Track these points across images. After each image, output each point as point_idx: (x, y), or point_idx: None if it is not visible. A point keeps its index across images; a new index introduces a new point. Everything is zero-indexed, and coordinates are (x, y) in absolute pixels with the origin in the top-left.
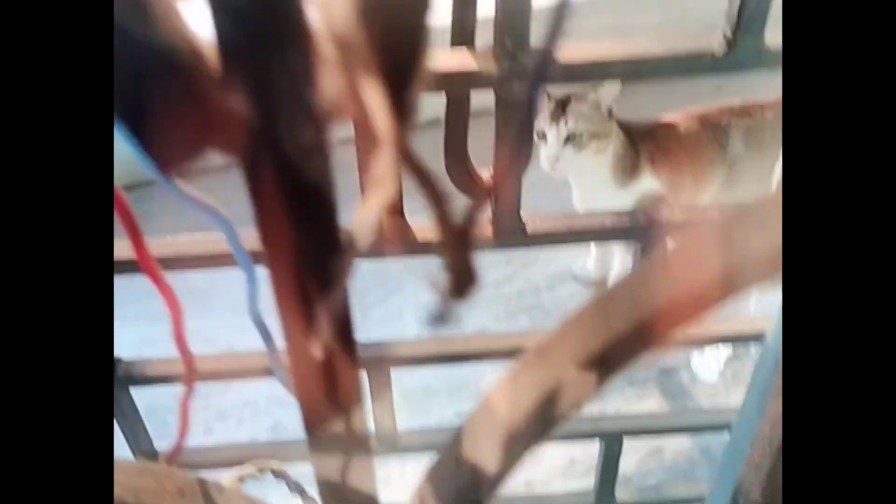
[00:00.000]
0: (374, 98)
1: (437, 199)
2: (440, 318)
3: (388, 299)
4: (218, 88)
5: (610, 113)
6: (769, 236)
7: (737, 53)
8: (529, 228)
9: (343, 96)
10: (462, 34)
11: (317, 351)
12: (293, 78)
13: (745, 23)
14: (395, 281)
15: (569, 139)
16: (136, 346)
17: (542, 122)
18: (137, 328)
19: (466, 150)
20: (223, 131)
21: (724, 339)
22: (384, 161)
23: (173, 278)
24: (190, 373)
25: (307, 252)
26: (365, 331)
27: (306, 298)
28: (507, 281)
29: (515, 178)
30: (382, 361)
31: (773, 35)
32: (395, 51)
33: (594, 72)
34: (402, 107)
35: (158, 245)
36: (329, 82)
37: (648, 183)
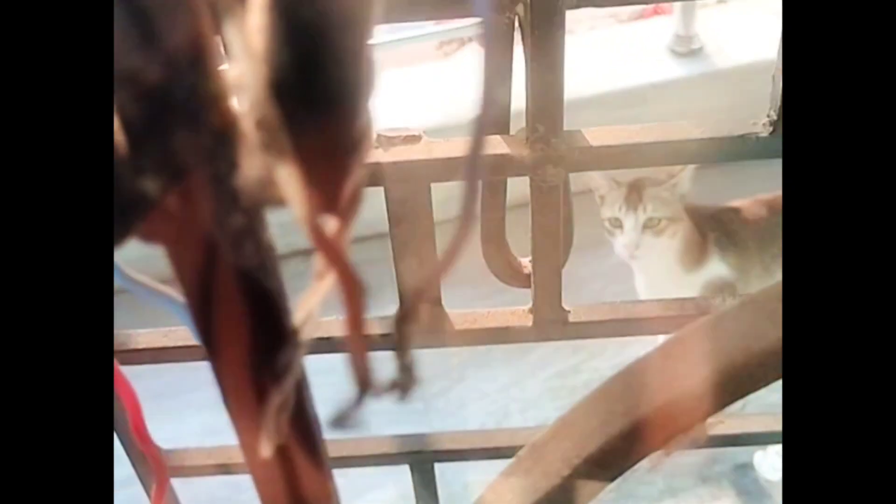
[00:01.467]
0: (291, 185)
1: (352, 295)
2: (342, 420)
3: (451, 390)
4: (130, 173)
5: (682, 196)
6: (773, 331)
7: (781, 136)
8: (572, 318)
9: (268, 181)
10: (495, 122)
11: (266, 450)
12: (213, 161)
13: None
14: (457, 371)
15: (646, 225)
16: (200, 435)
17: (613, 208)
18: (202, 418)
19: (504, 237)
20: (141, 219)
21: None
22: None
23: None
24: (159, 469)
25: (252, 344)
26: (427, 422)
27: (256, 393)
28: (574, 371)
29: (556, 267)
30: (424, 454)
31: None
32: (321, 137)
33: (630, 156)
34: (328, 196)
35: (135, 338)
36: (252, 166)
37: (716, 269)
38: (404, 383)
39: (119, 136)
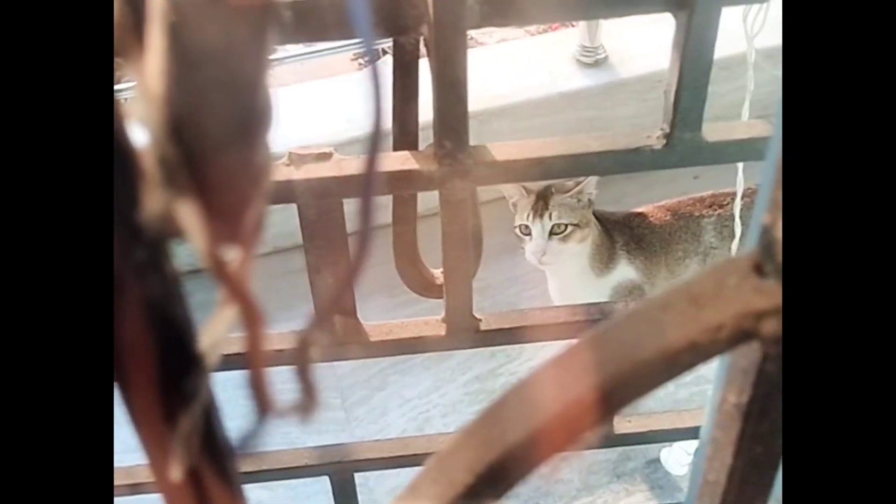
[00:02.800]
0: (190, 219)
1: (251, 324)
2: (245, 444)
3: (372, 398)
4: None
5: (590, 203)
6: (661, 339)
7: (675, 148)
8: (484, 326)
9: (170, 215)
10: (404, 137)
11: (176, 473)
12: (115, 198)
13: (681, 117)
14: (377, 379)
15: (553, 231)
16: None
17: (522, 216)
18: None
19: (416, 249)
20: None
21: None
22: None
23: None
24: None
25: (160, 370)
26: (349, 431)
27: (165, 417)
28: (492, 375)
29: (466, 277)
30: (343, 464)
31: (710, 130)
32: (221, 171)
33: (534, 169)
34: (228, 227)
35: None
36: (154, 201)
37: (625, 272)
38: (306, 405)
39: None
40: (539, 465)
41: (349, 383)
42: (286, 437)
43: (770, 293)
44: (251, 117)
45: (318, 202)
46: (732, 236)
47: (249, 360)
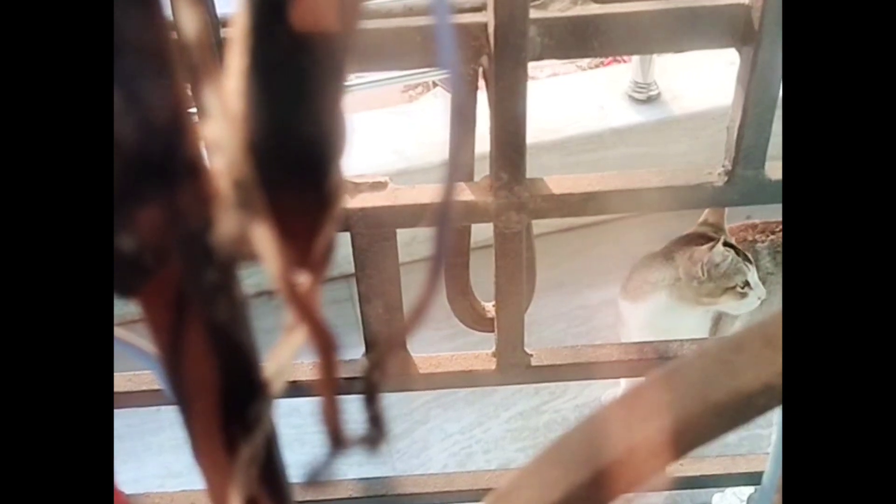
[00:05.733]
0: (264, 241)
1: (323, 350)
2: (315, 478)
3: (414, 431)
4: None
5: None
6: (734, 380)
7: (736, 185)
8: (535, 362)
9: (242, 238)
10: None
11: (236, 501)
12: (189, 219)
13: (744, 155)
14: (420, 412)
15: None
16: (161, 478)
17: (744, 274)
18: (162, 459)
19: (469, 282)
20: (117, 272)
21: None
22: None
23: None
24: None
25: (223, 395)
26: (390, 464)
27: (226, 444)
28: (536, 412)
29: (518, 311)
30: (387, 498)
31: (773, 168)
32: (295, 195)
33: (591, 203)
34: (300, 251)
35: None
36: (227, 223)
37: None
38: (374, 437)
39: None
40: None
41: (391, 416)
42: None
43: None
44: (328, 143)
45: (371, 231)
46: None
47: (322, 388)
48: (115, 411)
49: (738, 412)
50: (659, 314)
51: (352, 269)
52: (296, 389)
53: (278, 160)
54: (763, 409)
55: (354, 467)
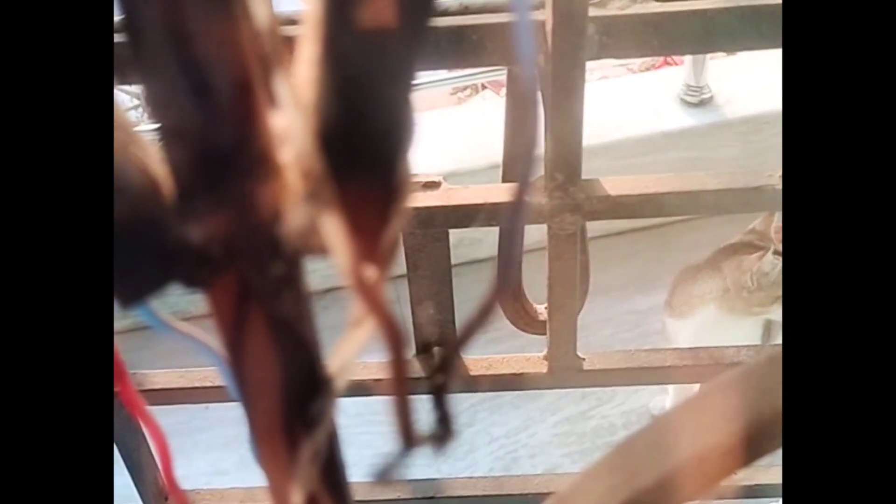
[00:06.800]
0: (334, 234)
1: (394, 346)
2: (387, 473)
3: (460, 434)
4: (176, 220)
5: None
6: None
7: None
8: (587, 366)
9: (310, 230)
10: (514, 169)
11: (297, 499)
12: (258, 209)
13: None
14: (467, 415)
15: None
16: (209, 475)
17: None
18: (210, 457)
19: (521, 283)
20: (184, 264)
21: None
22: (357, 301)
23: (163, 413)
24: None
25: (286, 392)
26: (435, 466)
27: (288, 441)
28: (582, 417)
29: (571, 314)
30: (436, 500)
31: None
32: (365, 187)
33: (647, 206)
34: (368, 244)
35: (151, 378)
36: (296, 216)
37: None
38: (443, 435)
39: (167, 184)
40: None
41: None
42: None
43: None
44: (397, 135)
45: (424, 231)
46: None
47: (392, 384)
48: (166, 408)
49: None
50: (708, 328)
51: (399, 272)
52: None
53: (348, 152)
54: None
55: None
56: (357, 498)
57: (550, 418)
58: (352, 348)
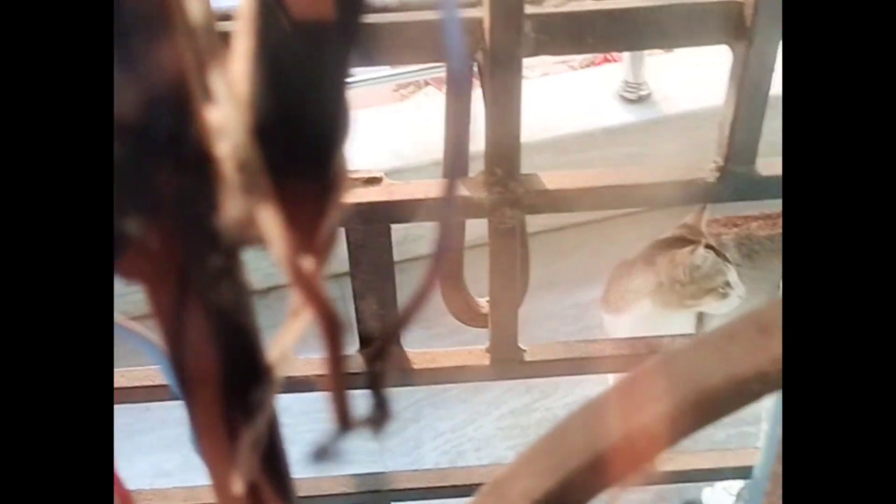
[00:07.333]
0: (271, 225)
1: (331, 334)
2: (322, 455)
3: (406, 429)
4: (114, 213)
5: None
6: (729, 367)
7: (728, 181)
8: (528, 357)
9: (247, 222)
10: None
11: (238, 487)
12: (193, 202)
13: (735, 152)
14: (412, 410)
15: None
16: (151, 477)
17: (724, 274)
18: (152, 459)
19: (462, 277)
20: (120, 257)
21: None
22: (296, 292)
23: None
24: None
25: (226, 382)
26: (381, 462)
27: (228, 431)
28: (527, 410)
29: (512, 307)
30: (381, 493)
31: (765, 164)
32: (300, 179)
33: (585, 200)
34: (305, 235)
35: None
36: (233, 208)
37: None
38: (379, 418)
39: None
40: (598, 494)
41: None
42: (316, 467)
43: None
44: (332, 128)
45: (366, 227)
46: (752, 255)
47: (329, 370)
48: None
49: (733, 398)
50: (644, 322)
51: (342, 268)
52: (288, 386)
53: (283, 144)
54: (757, 395)
55: (345, 466)
56: (303, 493)
57: (495, 412)
58: (291, 338)
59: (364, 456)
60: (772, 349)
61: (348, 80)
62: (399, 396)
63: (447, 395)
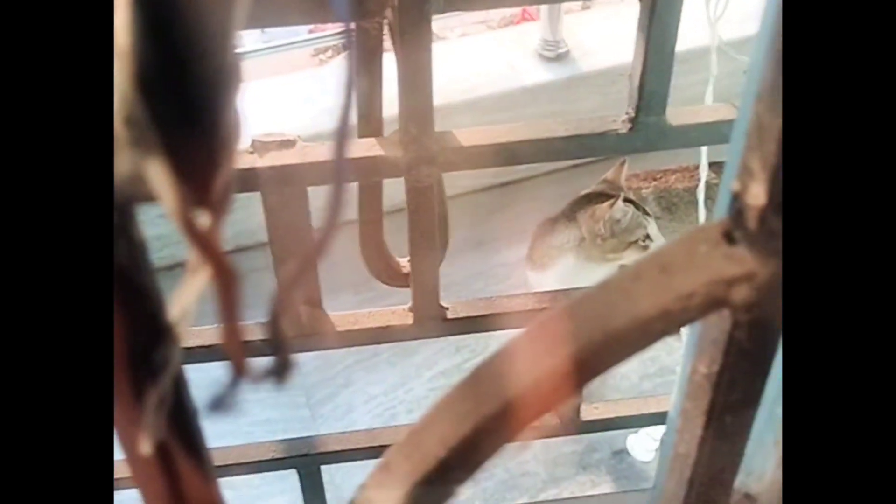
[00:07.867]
0: (161, 180)
1: (226, 285)
2: (218, 404)
3: (338, 395)
4: None
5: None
6: (633, 308)
7: (640, 132)
8: (451, 314)
9: (138, 178)
10: (369, 125)
11: (146, 447)
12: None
13: (646, 102)
14: (343, 375)
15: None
16: None
17: (644, 227)
18: None
19: (382, 238)
20: None
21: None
22: (191, 247)
23: None
24: None
25: (127, 341)
26: (314, 428)
27: (134, 391)
28: (458, 370)
29: (433, 265)
30: (309, 457)
31: (675, 114)
32: (188, 131)
33: (501, 155)
34: (198, 190)
35: None
36: (122, 163)
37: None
38: (280, 369)
39: None
40: (512, 437)
41: (314, 381)
42: (250, 436)
43: (740, 260)
44: (220, 81)
45: (282, 190)
46: (671, 208)
47: (224, 321)
48: None
49: (638, 338)
50: (568, 277)
51: (267, 238)
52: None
53: (169, 97)
54: (661, 334)
55: (278, 434)
56: (231, 460)
57: (426, 373)
58: (190, 295)
59: (297, 424)
60: (674, 287)
61: (235, 31)
62: (328, 363)
63: (378, 360)
